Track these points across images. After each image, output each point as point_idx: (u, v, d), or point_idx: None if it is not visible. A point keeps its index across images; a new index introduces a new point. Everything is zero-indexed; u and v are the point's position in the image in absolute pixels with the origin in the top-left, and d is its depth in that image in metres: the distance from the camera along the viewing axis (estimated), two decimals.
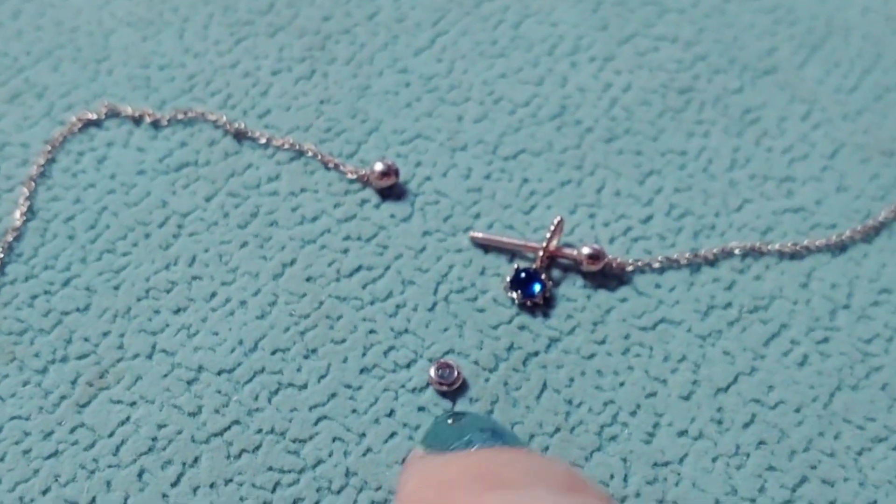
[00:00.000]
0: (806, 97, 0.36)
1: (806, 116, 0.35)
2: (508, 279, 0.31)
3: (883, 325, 0.31)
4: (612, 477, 0.28)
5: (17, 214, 0.32)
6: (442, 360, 0.29)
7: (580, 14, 0.37)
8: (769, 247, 0.32)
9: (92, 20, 0.37)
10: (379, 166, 0.32)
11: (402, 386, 0.29)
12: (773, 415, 0.30)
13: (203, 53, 0.36)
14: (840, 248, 0.33)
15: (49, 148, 0.34)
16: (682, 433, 0.29)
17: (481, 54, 0.36)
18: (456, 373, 0.29)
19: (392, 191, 0.33)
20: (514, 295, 0.31)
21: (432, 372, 0.29)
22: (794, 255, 0.32)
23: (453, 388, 0.29)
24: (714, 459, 0.29)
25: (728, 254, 0.32)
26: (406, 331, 0.30)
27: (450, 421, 0.26)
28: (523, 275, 0.31)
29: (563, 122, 0.35)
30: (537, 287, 0.31)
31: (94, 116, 0.34)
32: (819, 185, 0.34)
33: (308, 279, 0.31)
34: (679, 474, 0.29)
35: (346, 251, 0.32)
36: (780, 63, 0.37)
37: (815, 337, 0.31)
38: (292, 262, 0.31)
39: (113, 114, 0.34)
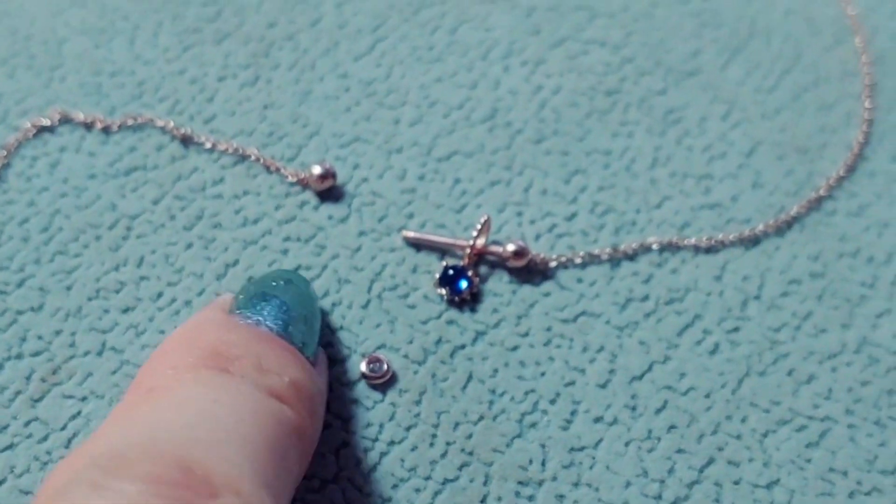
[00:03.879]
0: (727, 98, 0.38)
1: (726, 116, 0.37)
2: (437, 276, 0.33)
3: (791, 315, 0.33)
4: (530, 462, 0.30)
5: None
6: (372, 355, 0.31)
7: (514, 19, 0.39)
8: (685, 241, 0.34)
9: (46, 28, 0.38)
10: (317, 170, 0.34)
11: (337, 380, 0.31)
12: (684, 400, 0.32)
13: (153, 61, 0.38)
14: (753, 241, 0.35)
15: (4, 153, 0.35)
16: (598, 419, 0.31)
17: (419, 59, 0.38)
18: (385, 366, 0.31)
19: (330, 193, 0.35)
20: (443, 291, 0.33)
21: (363, 366, 0.31)
22: (710, 249, 0.34)
23: (383, 381, 0.31)
24: (627, 444, 0.31)
25: (647, 249, 0.34)
26: (341, 327, 0.32)
27: (281, 283, 0.29)
28: (451, 272, 0.33)
29: (494, 124, 0.36)
30: (464, 284, 0.32)
31: (48, 122, 0.36)
32: (735, 181, 0.36)
33: (249, 279, 0.33)
34: (594, 458, 0.31)
35: (285, 252, 0.34)
36: (704, 65, 0.38)
37: (727, 326, 0.33)
38: (235, 263, 0.33)
39: (65, 120, 0.36)
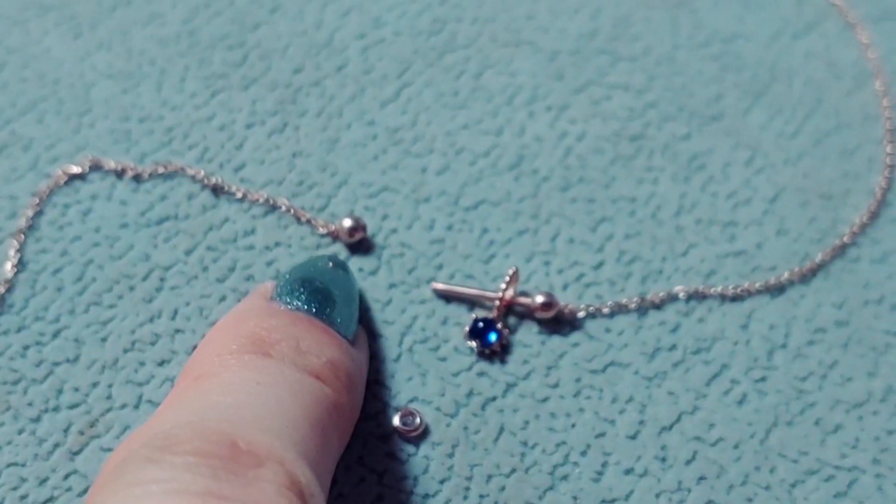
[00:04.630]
0: (750, 143, 0.38)
1: (749, 162, 0.38)
2: (467, 329, 0.33)
3: (817, 363, 0.34)
4: None
5: (9, 266, 0.35)
6: (405, 408, 0.32)
7: (537, 64, 0.39)
8: (712, 290, 0.35)
9: (73, 73, 0.39)
10: (347, 222, 0.34)
11: (371, 434, 0.32)
12: (713, 451, 0.32)
13: (180, 106, 0.38)
14: (779, 289, 0.35)
15: (37, 201, 0.36)
16: (629, 471, 0.32)
17: (444, 105, 0.38)
18: (418, 419, 0.32)
19: (360, 245, 0.35)
20: (473, 344, 0.33)
21: (396, 420, 0.32)
22: (735, 298, 0.35)
23: (417, 434, 0.32)
24: (658, 495, 0.31)
25: (673, 297, 0.35)
26: (375, 381, 0.32)
27: (329, 264, 0.31)
28: (481, 324, 0.33)
29: (520, 172, 0.37)
30: (493, 336, 0.33)
31: (79, 170, 0.36)
32: (760, 228, 0.36)
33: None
34: None
35: None
36: (726, 109, 0.39)
37: (754, 376, 0.33)
38: None
39: (96, 167, 0.37)
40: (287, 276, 0.31)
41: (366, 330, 0.33)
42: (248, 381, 0.26)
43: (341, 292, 0.30)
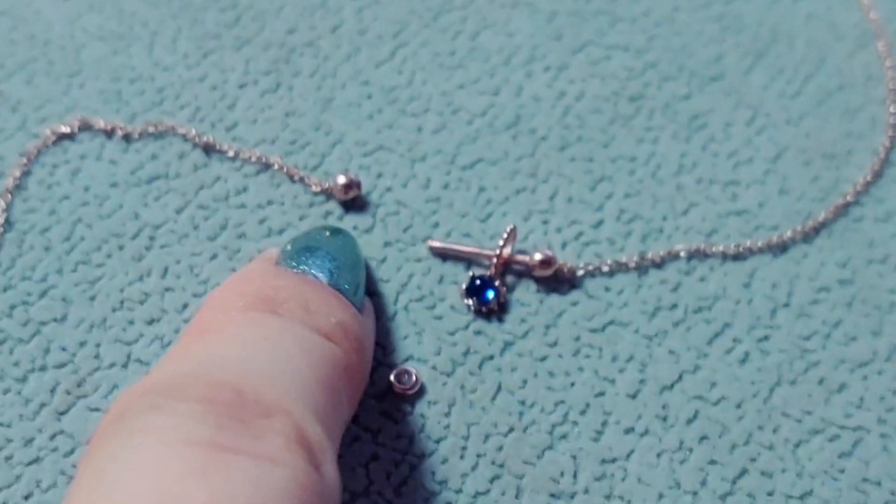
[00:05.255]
0: (751, 103, 0.37)
1: (751, 121, 0.37)
2: (464, 287, 0.33)
3: (821, 322, 0.33)
4: (562, 474, 0.30)
5: None
6: (401, 367, 0.31)
7: (535, 24, 0.39)
8: (713, 248, 0.34)
9: (64, 34, 0.38)
10: (342, 179, 0.34)
11: (365, 392, 0.31)
12: (715, 410, 0.31)
13: (172, 67, 0.37)
14: (781, 248, 0.34)
15: (24, 161, 0.35)
16: (629, 430, 0.31)
17: (440, 65, 0.38)
18: (414, 378, 0.31)
19: (354, 203, 0.34)
20: (470, 302, 0.32)
21: (392, 378, 0.31)
22: (737, 257, 0.34)
23: (413, 393, 0.31)
24: (659, 455, 0.31)
25: (674, 256, 0.34)
26: None
27: (327, 234, 0.30)
28: (478, 282, 0.32)
29: (518, 132, 0.36)
30: (491, 294, 0.32)
31: (68, 130, 0.36)
32: (762, 188, 0.36)
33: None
34: (625, 470, 0.30)
35: None
36: (727, 70, 0.38)
37: (756, 335, 0.33)
38: None
39: (85, 127, 0.36)
40: (294, 243, 0.30)
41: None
42: (255, 335, 0.25)
43: (347, 259, 0.30)
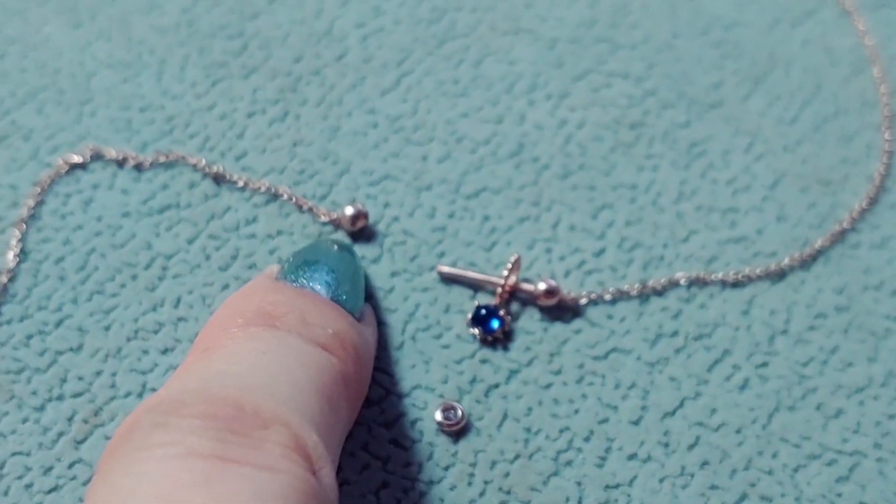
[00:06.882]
0: (749, 129, 0.38)
1: (749, 148, 0.38)
2: (469, 316, 0.33)
3: (818, 349, 0.34)
4: (567, 500, 0.31)
5: (11, 256, 0.35)
6: (445, 402, 0.32)
7: (537, 52, 0.39)
8: (713, 276, 0.35)
9: (74, 62, 0.39)
10: (350, 210, 0.35)
11: (375, 420, 0.32)
12: (715, 436, 0.32)
13: (181, 96, 0.38)
14: (779, 275, 0.35)
15: (38, 190, 0.36)
16: (632, 456, 0.32)
17: (444, 94, 0.38)
18: (460, 412, 0.32)
19: (362, 233, 0.35)
20: (476, 331, 0.33)
21: (439, 415, 0.32)
22: (737, 284, 0.35)
23: (458, 428, 0.32)
24: (661, 480, 0.32)
25: (675, 284, 0.35)
26: (378, 369, 0.33)
27: (335, 248, 0.31)
28: (483, 312, 0.33)
29: (521, 160, 0.37)
30: (496, 323, 0.33)
31: (80, 159, 0.36)
32: (760, 214, 0.36)
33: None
34: (629, 496, 0.31)
35: None
36: (726, 96, 0.39)
37: (755, 361, 0.34)
38: None
39: (97, 156, 0.36)
40: (294, 258, 0.31)
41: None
42: (254, 351, 0.27)
43: (346, 270, 0.31)
